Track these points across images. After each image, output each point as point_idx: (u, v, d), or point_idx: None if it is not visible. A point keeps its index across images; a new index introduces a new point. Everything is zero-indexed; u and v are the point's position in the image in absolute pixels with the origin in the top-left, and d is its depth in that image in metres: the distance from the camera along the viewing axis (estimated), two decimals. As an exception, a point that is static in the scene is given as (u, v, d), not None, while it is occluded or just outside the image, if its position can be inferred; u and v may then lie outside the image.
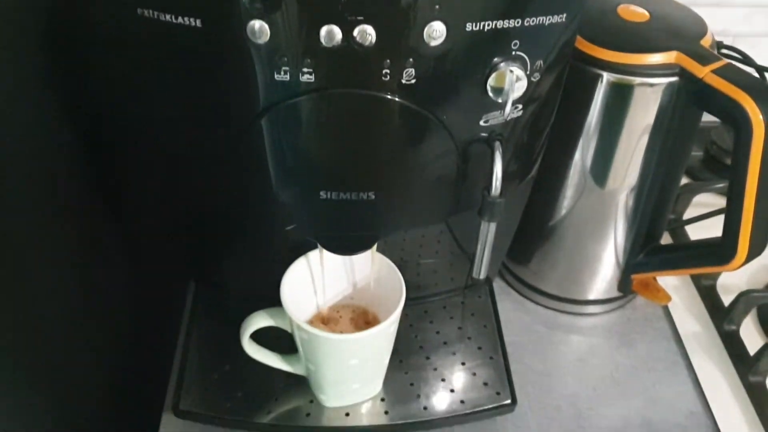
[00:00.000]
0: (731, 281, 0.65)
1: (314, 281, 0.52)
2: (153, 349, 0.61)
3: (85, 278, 0.50)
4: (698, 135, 0.78)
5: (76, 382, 0.49)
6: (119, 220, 0.56)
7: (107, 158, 0.54)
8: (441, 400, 0.53)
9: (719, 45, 0.73)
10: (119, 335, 0.57)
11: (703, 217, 0.68)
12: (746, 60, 0.73)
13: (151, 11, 0.36)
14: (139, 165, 0.52)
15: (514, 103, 0.41)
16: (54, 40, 0.45)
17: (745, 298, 0.60)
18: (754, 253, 0.51)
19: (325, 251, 0.49)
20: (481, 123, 0.41)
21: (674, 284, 0.66)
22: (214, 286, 0.60)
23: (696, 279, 0.66)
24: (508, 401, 0.54)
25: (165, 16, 0.36)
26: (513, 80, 0.39)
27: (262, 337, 0.51)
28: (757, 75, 0.72)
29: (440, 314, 0.60)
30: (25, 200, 0.41)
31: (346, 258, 0.52)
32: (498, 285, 0.66)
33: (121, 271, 0.57)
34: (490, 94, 0.39)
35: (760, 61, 0.73)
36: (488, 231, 0.44)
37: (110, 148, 0.54)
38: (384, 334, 0.48)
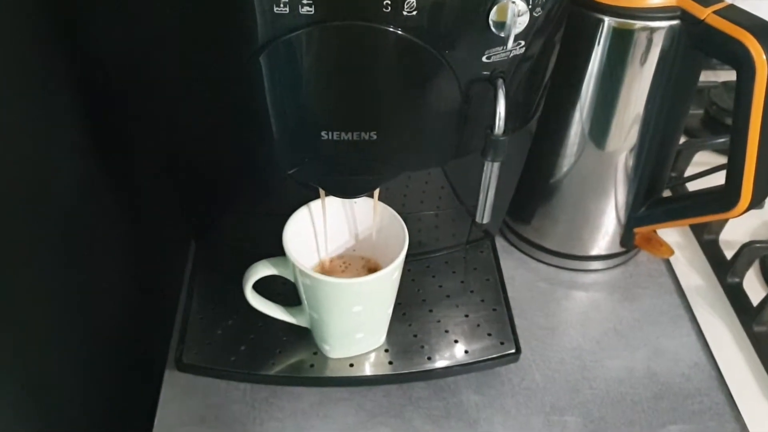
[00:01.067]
0: (733, 237, 0.65)
1: (316, 231, 0.51)
2: (156, 308, 0.61)
3: (87, 238, 0.50)
4: (698, 95, 0.79)
5: (79, 341, 0.49)
6: (120, 178, 0.56)
7: (111, 106, 0.53)
8: (445, 351, 0.53)
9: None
10: (121, 295, 0.56)
11: (703, 174, 0.67)
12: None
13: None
14: (141, 109, 0.51)
15: (516, 38, 0.40)
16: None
17: (748, 250, 0.60)
18: (758, 197, 0.51)
19: (327, 200, 0.49)
20: (484, 59, 0.40)
21: (676, 240, 0.66)
22: (215, 246, 0.60)
23: (698, 234, 0.66)
24: (513, 351, 0.53)
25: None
26: (515, 13, 0.38)
27: (263, 294, 0.51)
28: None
29: (443, 269, 0.60)
30: (24, 150, 0.41)
31: (348, 207, 0.51)
32: (500, 244, 0.66)
33: (122, 232, 0.57)
34: (492, 28, 0.39)
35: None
36: (491, 173, 0.43)
37: (113, 94, 0.53)
38: (387, 280, 0.47)
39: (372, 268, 0.53)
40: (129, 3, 0.40)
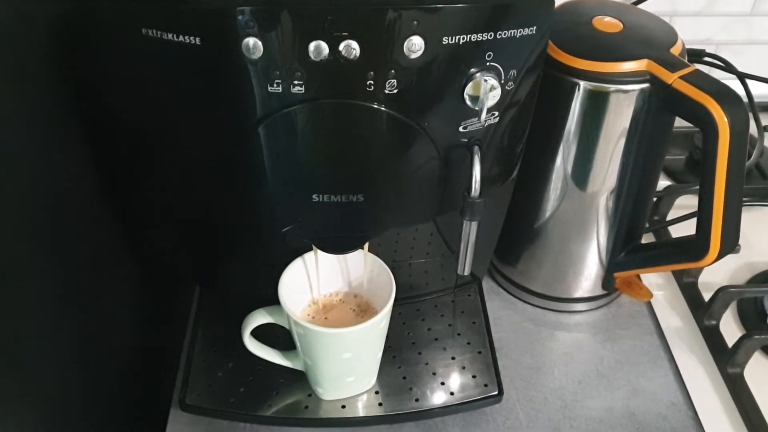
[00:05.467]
0: (713, 279, 0.68)
1: (310, 281, 0.55)
2: (161, 350, 0.65)
3: (95, 284, 0.53)
4: (682, 139, 0.82)
5: (86, 383, 0.52)
6: (127, 228, 0.59)
7: (116, 167, 0.57)
8: (432, 393, 0.56)
9: (702, 53, 0.76)
10: (128, 338, 0.60)
11: (684, 218, 0.70)
12: (728, 67, 0.76)
13: (153, 31, 0.39)
14: (145, 174, 0.55)
15: (490, 110, 0.44)
16: (61, 57, 0.48)
17: (723, 294, 0.63)
18: (726, 248, 0.54)
19: (319, 252, 0.53)
20: (460, 129, 0.44)
21: (658, 282, 0.69)
22: (217, 291, 0.64)
23: (678, 277, 0.69)
24: (495, 392, 0.56)
25: (167, 35, 0.39)
26: (488, 89, 0.42)
27: (262, 338, 0.54)
28: (739, 81, 0.75)
29: (432, 312, 0.63)
30: (35, 207, 0.44)
31: (341, 258, 0.55)
32: (488, 285, 0.69)
33: (130, 278, 0.60)
34: (467, 102, 0.42)
35: (741, 68, 0.76)
36: (470, 230, 0.47)
37: (118, 157, 0.57)
38: (375, 329, 0.51)
39: (364, 306, 0.57)
40: (137, 81, 0.44)
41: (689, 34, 0.90)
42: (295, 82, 0.40)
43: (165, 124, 0.46)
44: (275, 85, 0.40)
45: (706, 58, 0.76)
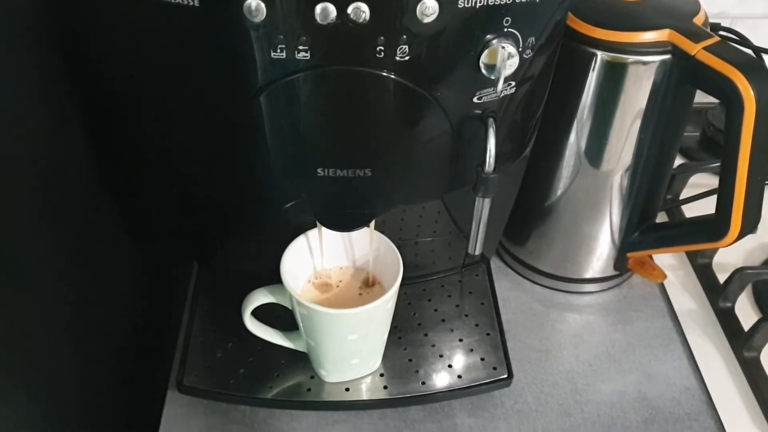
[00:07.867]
0: (727, 259, 0.66)
1: (314, 259, 0.53)
2: (158, 330, 0.63)
3: (90, 262, 0.51)
4: (695, 116, 0.80)
5: (82, 364, 0.50)
6: (124, 203, 0.57)
7: (112, 141, 0.54)
8: (439, 376, 0.54)
9: (717, 26, 0.74)
10: (125, 317, 0.58)
11: (699, 197, 0.68)
12: (743, 41, 0.74)
13: (149, -9, 0.37)
14: (142, 146, 0.53)
15: (507, 80, 0.41)
16: (53, 24, 0.45)
17: (739, 275, 0.61)
18: (747, 228, 0.52)
19: (324, 229, 0.51)
20: (475, 100, 0.42)
21: (671, 263, 0.67)
22: (216, 269, 0.62)
23: (692, 257, 0.67)
24: (505, 376, 0.55)
25: (163, -4, 0.37)
26: (505, 57, 0.39)
27: (263, 317, 0.52)
28: (753, 55, 0.72)
29: (438, 293, 0.61)
30: (30, 183, 0.42)
31: (345, 236, 0.53)
32: (496, 265, 0.67)
33: (127, 255, 0.58)
34: (483, 70, 0.40)
35: (758, 43, 0.73)
36: (483, 207, 0.45)
37: (114, 130, 0.55)
38: (382, 309, 0.49)
39: (370, 284, 0.54)
40: (133, 46, 0.41)
41: (704, 7, 0.88)
42: (300, 47, 0.37)
43: (161, 92, 0.43)
44: (278, 50, 0.37)
45: (721, 32, 0.74)
